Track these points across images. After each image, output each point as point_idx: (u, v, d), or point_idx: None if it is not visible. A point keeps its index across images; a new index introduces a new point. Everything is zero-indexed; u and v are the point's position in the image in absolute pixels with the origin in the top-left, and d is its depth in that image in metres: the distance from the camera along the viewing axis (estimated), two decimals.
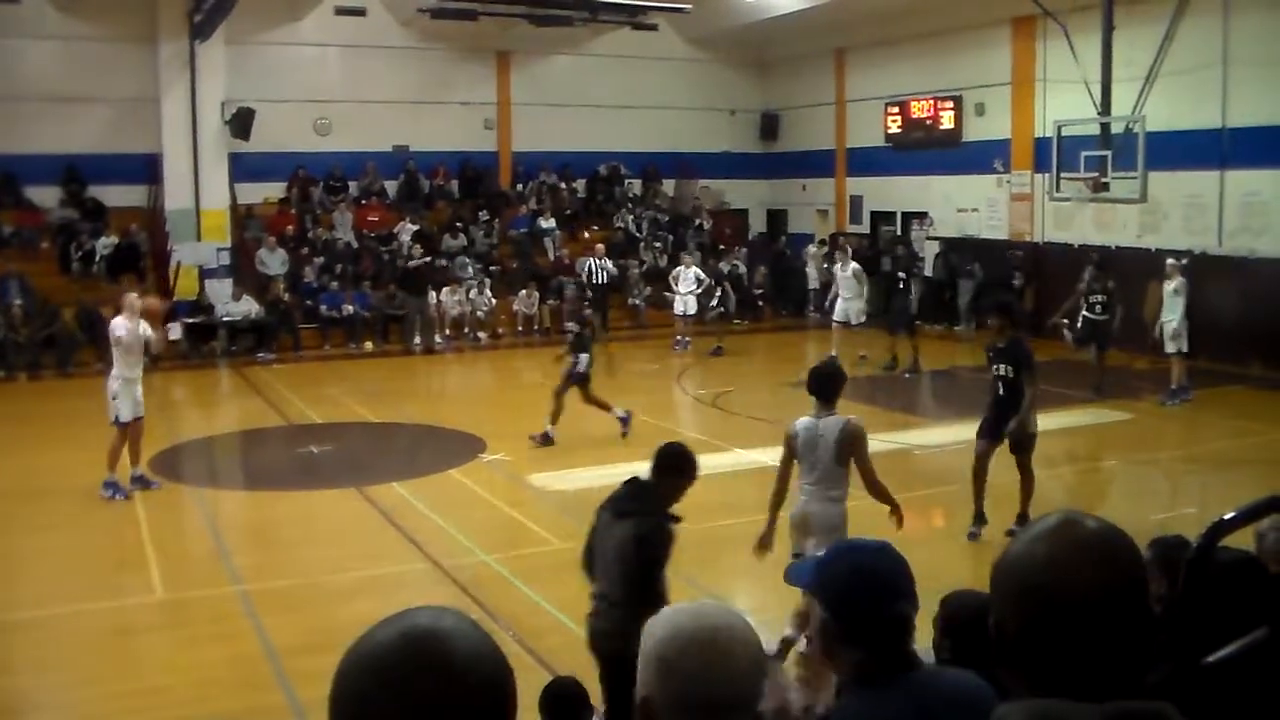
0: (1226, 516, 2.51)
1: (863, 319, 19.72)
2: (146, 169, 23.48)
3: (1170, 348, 16.12)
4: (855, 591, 2.50)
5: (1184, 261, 16.68)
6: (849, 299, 19.65)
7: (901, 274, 20.30)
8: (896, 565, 2.60)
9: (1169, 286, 16.27)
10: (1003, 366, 10.26)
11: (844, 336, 19.49)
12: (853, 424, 7.34)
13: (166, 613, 8.86)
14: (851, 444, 7.28)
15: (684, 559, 9.96)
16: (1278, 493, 2.68)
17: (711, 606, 2.04)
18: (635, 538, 5.65)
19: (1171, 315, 16.04)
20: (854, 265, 20.10)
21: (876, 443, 13.30)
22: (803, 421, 7.41)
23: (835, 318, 19.79)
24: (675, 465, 5.97)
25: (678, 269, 23.30)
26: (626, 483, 5.95)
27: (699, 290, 22.30)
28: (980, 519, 10.47)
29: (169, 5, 22.47)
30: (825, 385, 7.44)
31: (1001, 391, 10.33)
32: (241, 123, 22.90)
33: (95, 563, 10.09)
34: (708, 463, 13.03)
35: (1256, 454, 13.52)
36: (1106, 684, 1.55)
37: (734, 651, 1.93)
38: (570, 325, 16.77)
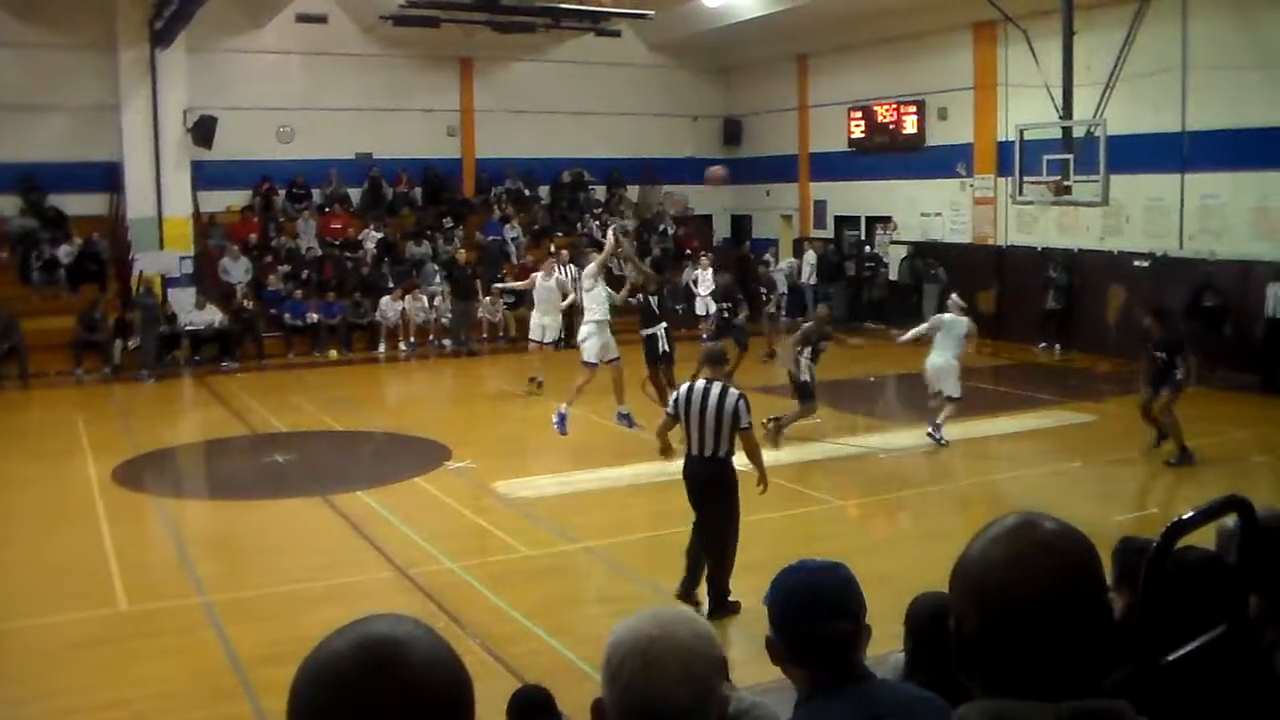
0: (1184, 516, 2.53)
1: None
2: (107, 177, 23.29)
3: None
4: (794, 610, 2.62)
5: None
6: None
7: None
8: (839, 583, 2.69)
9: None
10: (1161, 353, 13.30)
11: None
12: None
13: (130, 624, 8.77)
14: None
15: (650, 566, 10.04)
16: (1236, 493, 2.71)
17: (661, 614, 2.02)
18: None
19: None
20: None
21: (840, 446, 13.44)
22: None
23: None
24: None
25: (695, 271, 23.81)
26: None
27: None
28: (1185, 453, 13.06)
29: (129, 12, 22.29)
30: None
31: (1159, 366, 13.36)
32: (203, 130, 22.76)
33: (57, 575, 9.99)
34: (667, 469, 13.16)
35: (1219, 454, 13.66)
36: (1064, 684, 1.56)
37: (667, 661, 1.91)
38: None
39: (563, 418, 14.12)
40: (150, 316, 20.88)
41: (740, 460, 8.62)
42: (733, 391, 8.48)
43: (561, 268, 23.69)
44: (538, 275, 18.39)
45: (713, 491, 8.48)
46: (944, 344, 14.16)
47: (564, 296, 18.01)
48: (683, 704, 1.91)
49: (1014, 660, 1.59)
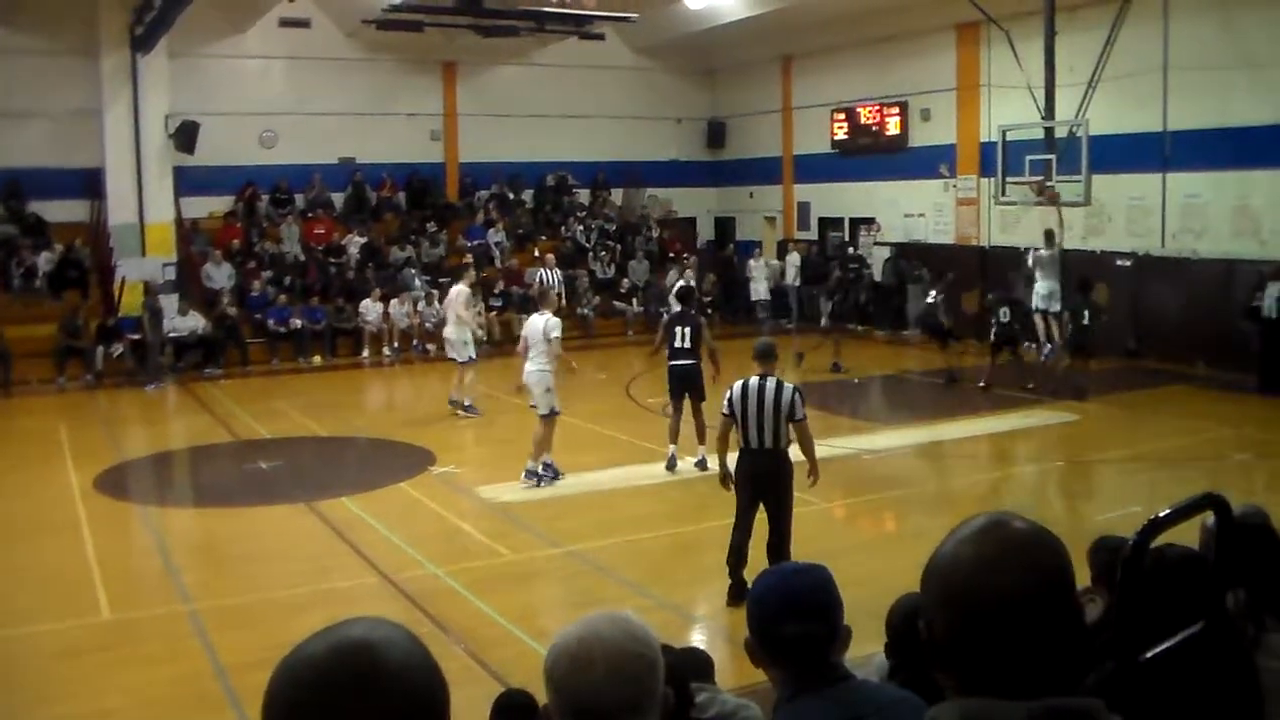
0: (1161, 514, 2.54)
1: None
2: (89, 183, 23.19)
3: None
4: (768, 611, 2.65)
5: None
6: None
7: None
8: (813, 585, 2.72)
9: None
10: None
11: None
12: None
13: (114, 633, 8.73)
14: None
15: (631, 569, 10.04)
16: (1212, 490, 2.72)
17: (595, 617, 2.05)
18: None
19: None
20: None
21: (825, 448, 13.45)
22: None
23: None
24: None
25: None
26: None
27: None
28: None
29: (110, 18, 22.20)
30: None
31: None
32: (186, 136, 22.69)
33: (39, 585, 9.94)
34: (650, 472, 13.14)
35: (1202, 452, 13.75)
36: (1036, 683, 1.56)
37: (594, 660, 1.94)
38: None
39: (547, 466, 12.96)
40: (156, 321, 20.81)
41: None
42: (787, 385, 8.80)
43: (546, 271, 23.85)
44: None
45: (778, 481, 8.80)
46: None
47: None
48: (610, 703, 1.93)
49: (985, 660, 1.59)
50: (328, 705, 1.40)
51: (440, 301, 21.92)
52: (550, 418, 12.68)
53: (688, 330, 13.32)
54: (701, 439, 12.98)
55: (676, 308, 14.03)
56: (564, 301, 24.56)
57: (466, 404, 16.80)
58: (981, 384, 17.72)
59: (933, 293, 19.43)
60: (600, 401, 17.78)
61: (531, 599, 9.62)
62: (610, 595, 9.32)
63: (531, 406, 12.90)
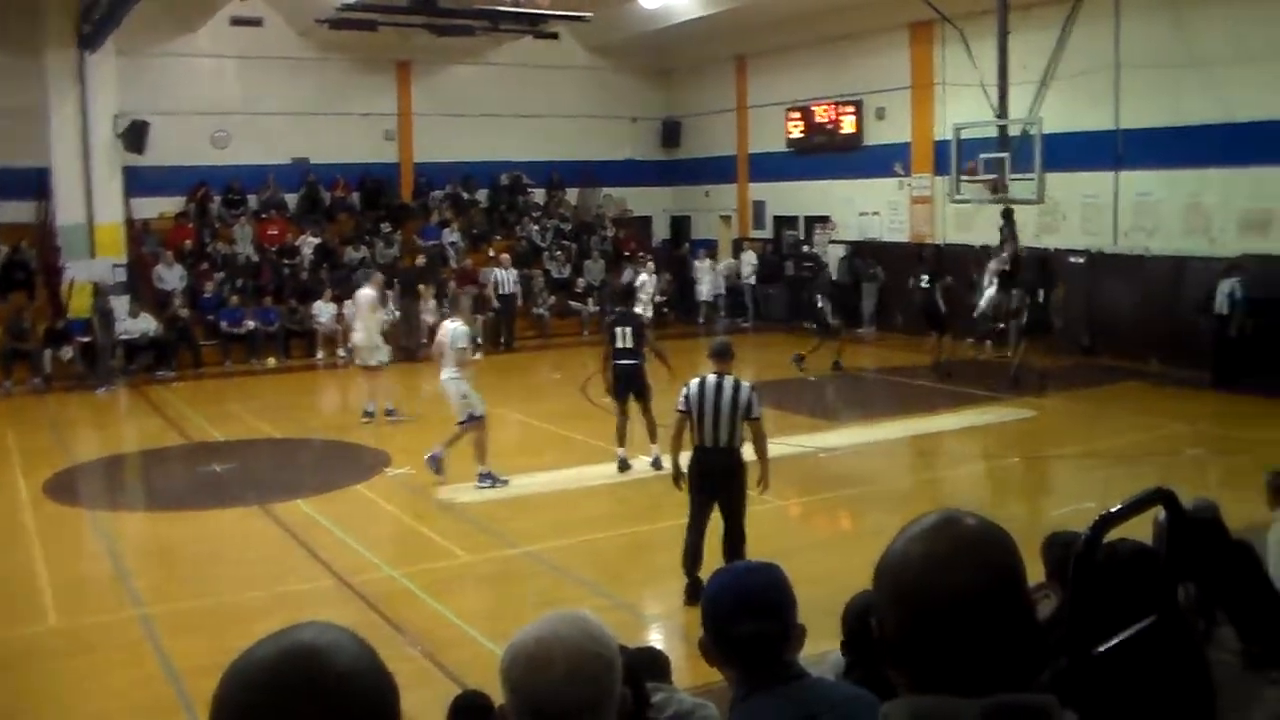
0: (1112, 509, 2.56)
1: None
2: (35, 183, 22.83)
3: None
4: (721, 611, 2.66)
5: None
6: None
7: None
8: (765, 584, 2.72)
9: None
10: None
11: None
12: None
13: (62, 640, 8.60)
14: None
15: (588, 569, 10.03)
16: (1163, 485, 2.74)
17: (552, 617, 2.05)
18: None
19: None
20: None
21: (784, 446, 13.49)
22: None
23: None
24: None
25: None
26: None
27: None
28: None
29: (56, 15, 21.83)
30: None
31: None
32: (135, 135, 22.43)
33: None
34: (605, 472, 13.11)
35: (1155, 447, 13.90)
36: (988, 680, 1.56)
37: (552, 660, 1.94)
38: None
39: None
40: (106, 323, 20.55)
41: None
42: (745, 383, 8.81)
43: (501, 271, 23.82)
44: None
45: (732, 480, 8.80)
46: None
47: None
48: (569, 703, 1.93)
49: (937, 657, 1.59)
50: (276, 709, 1.40)
51: (395, 303, 21.86)
52: (471, 423, 12.63)
53: (629, 330, 13.23)
54: (653, 438, 12.95)
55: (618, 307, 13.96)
56: (520, 301, 24.59)
57: (389, 409, 16.59)
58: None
59: (925, 278, 19.55)
60: (556, 401, 17.75)
61: (488, 600, 9.59)
62: (567, 595, 9.30)
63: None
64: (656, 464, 12.75)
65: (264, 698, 1.40)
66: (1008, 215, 18.60)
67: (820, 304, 20.20)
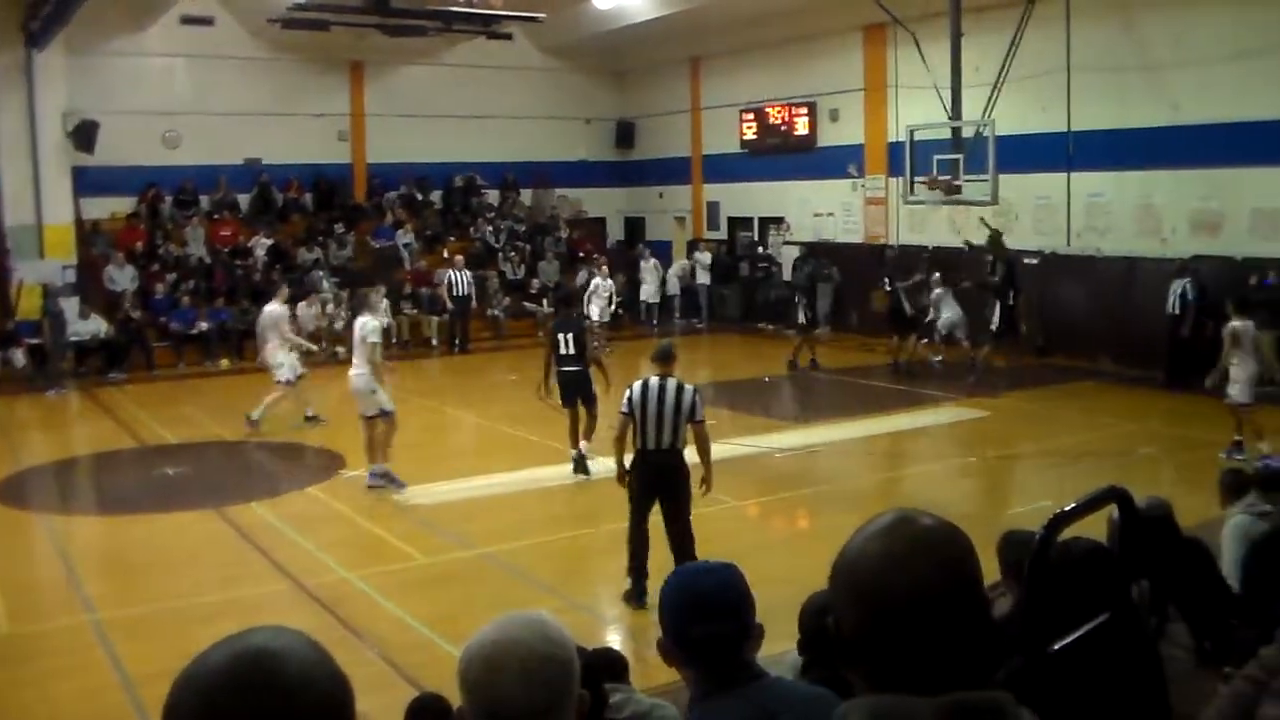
0: (1066, 508, 2.59)
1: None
2: None
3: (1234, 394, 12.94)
4: (677, 612, 2.66)
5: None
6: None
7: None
8: (721, 585, 2.73)
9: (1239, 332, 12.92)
10: None
11: None
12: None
13: (11, 647, 8.50)
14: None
15: (547, 570, 10.02)
16: (1115, 484, 2.77)
17: (508, 618, 2.04)
18: None
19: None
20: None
21: (738, 447, 13.54)
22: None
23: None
24: None
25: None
26: None
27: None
28: None
29: (2, 12, 21.55)
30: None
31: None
32: (84, 135, 22.19)
33: None
34: (561, 473, 13.11)
35: (1108, 446, 14.05)
36: (944, 678, 1.57)
37: (508, 662, 1.94)
38: None
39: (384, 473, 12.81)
40: (57, 325, 20.28)
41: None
42: (688, 386, 8.84)
43: (456, 273, 23.76)
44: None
45: (675, 479, 8.81)
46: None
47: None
48: (525, 705, 1.93)
49: (893, 656, 1.60)
50: (228, 714, 1.39)
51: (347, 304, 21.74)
52: (376, 419, 12.57)
53: (570, 336, 13.18)
54: (589, 436, 12.96)
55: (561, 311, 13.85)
56: (474, 303, 24.51)
57: (308, 414, 16.45)
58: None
59: (887, 280, 19.66)
60: (511, 403, 17.69)
61: (444, 602, 9.55)
62: (523, 597, 9.28)
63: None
64: (580, 460, 12.79)
65: (217, 703, 1.39)
66: (996, 240, 18.65)
67: (799, 301, 20.33)
